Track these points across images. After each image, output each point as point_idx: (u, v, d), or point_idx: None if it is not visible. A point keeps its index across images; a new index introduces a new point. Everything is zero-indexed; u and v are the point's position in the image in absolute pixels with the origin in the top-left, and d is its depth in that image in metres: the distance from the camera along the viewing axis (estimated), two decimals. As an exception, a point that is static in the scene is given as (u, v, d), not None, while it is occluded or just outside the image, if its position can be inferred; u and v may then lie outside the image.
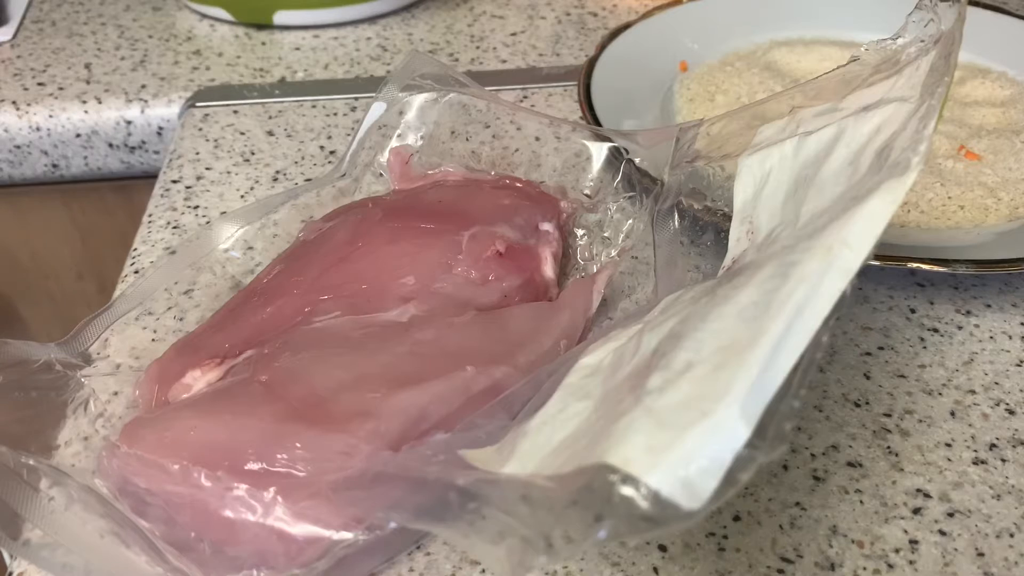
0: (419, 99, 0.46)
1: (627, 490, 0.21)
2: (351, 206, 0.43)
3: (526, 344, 0.35)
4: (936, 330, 0.41)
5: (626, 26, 0.57)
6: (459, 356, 0.34)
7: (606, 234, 0.44)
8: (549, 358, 0.35)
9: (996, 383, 0.38)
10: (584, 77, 0.52)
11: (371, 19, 0.66)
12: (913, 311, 0.42)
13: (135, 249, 0.45)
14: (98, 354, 0.38)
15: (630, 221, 0.44)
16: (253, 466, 0.30)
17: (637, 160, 0.44)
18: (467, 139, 0.48)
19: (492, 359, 0.34)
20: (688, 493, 0.21)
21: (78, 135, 0.57)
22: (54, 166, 0.58)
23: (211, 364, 0.35)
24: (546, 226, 0.41)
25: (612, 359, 0.31)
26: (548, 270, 0.40)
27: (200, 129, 0.54)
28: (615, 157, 0.45)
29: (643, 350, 0.29)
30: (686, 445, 0.21)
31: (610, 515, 0.21)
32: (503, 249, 0.38)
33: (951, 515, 0.33)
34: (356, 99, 0.57)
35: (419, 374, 0.33)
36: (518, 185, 0.44)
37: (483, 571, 0.31)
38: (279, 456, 0.30)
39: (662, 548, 0.32)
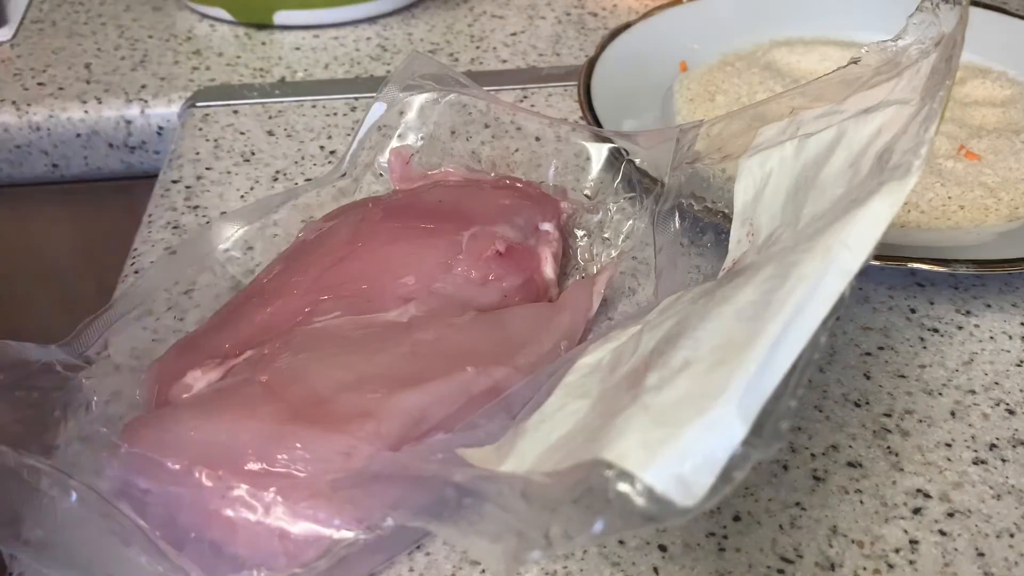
0: (419, 99, 0.46)
1: (623, 486, 0.21)
2: (351, 206, 0.43)
3: (526, 345, 0.35)
4: (936, 330, 0.41)
5: (626, 26, 0.57)
6: (459, 357, 0.34)
7: (606, 235, 0.44)
8: (549, 359, 0.35)
9: (996, 383, 0.38)
10: (584, 77, 0.52)
11: (371, 19, 0.66)
12: (913, 311, 0.42)
13: (135, 249, 0.45)
14: (98, 354, 0.38)
15: (630, 222, 0.44)
16: (253, 466, 0.30)
17: (637, 161, 0.44)
18: (467, 139, 0.48)
19: (492, 360, 0.34)
20: (683, 490, 0.21)
21: (78, 135, 0.57)
22: (54, 166, 0.58)
23: (211, 364, 0.35)
24: (546, 226, 0.41)
25: (611, 358, 0.31)
26: (548, 270, 0.40)
27: (200, 129, 0.54)
28: (615, 158, 0.45)
29: (641, 350, 0.29)
30: (682, 442, 0.22)
31: (606, 511, 0.21)
32: (503, 249, 0.38)
33: (951, 515, 0.33)
34: (356, 99, 0.57)
35: (419, 375, 0.33)
36: (518, 185, 0.44)
37: (483, 571, 0.31)
38: (279, 456, 0.30)
39: (662, 548, 0.32)
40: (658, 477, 0.21)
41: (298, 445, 0.30)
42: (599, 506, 0.21)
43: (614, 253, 0.43)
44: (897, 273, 0.43)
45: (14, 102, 0.57)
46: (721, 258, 0.37)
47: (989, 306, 0.42)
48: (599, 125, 0.48)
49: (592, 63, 0.53)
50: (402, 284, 0.37)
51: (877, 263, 0.39)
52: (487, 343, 0.35)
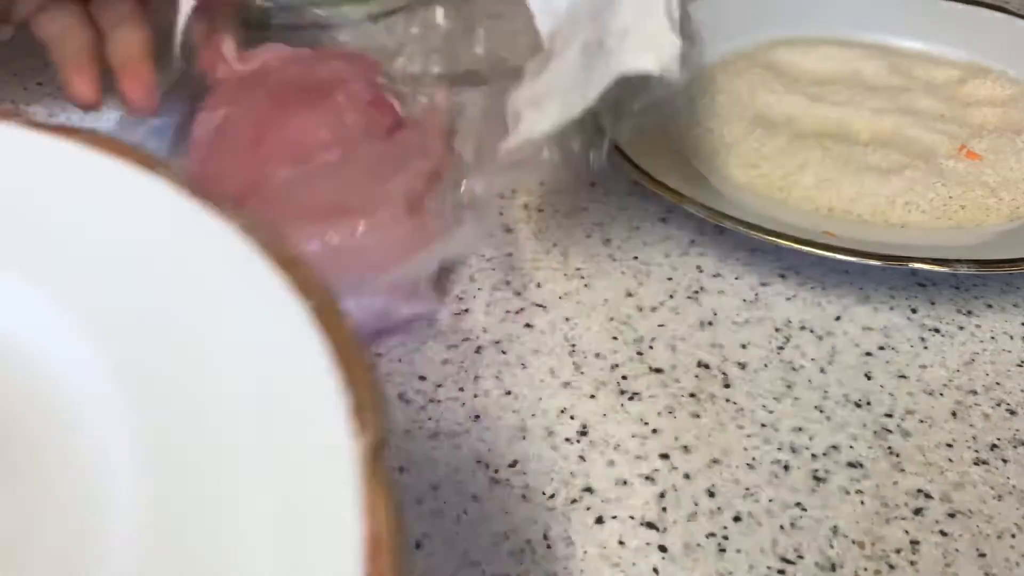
0: None
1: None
2: (227, 93, 0.46)
3: (431, 146, 0.45)
4: (937, 330, 0.41)
5: (626, 26, 0.57)
6: (403, 154, 0.43)
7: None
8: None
9: (997, 383, 0.38)
10: (584, 77, 0.52)
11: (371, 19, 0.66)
12: (914, 311, 0.41)
13: (135, 249, 0.45)
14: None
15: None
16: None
17: None
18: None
19: (425, 153, 0.44)
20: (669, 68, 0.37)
21: (78, 135, 0.57)
22: (54, 166, 0.58)
23: None
24: (380, 80, 0.48)
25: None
26: (398, 108, 0.47)
27: (200, 129, 0.54)
28: None
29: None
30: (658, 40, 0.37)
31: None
32: (372, 98, 0.45)
33: (952, 516, 0.33)
34: (356, 99, 0.57)
35: (386, 173, 0.41)
36: (339, 52, 0.51)
37: (483, 570, 0.31)
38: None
39: (662, 548, 0.32)
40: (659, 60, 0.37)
41: None
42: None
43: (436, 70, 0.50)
44: (898, 273, 0.43)
45: (14, 102, 0.57)
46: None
47: (990, 306, 0.42)
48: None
49: (592, 63, 0.53)
50: (320, 139, 0.43)
51: (878, 263, 0.39)
52: (413, 145, 0.44)
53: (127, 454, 0.18)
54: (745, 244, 0.43)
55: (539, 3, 0.43)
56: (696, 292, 0.42)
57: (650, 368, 0.38)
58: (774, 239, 0.41)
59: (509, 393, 0.37)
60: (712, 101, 0.53)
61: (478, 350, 0.39)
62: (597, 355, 0.39)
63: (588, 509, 0.33)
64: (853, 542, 0.32)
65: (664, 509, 0.33)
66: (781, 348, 0.39)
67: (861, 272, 0.42)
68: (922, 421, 0.36)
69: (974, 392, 0.38)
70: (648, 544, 0.32)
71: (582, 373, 0.38)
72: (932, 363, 0.39)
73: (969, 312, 0.42)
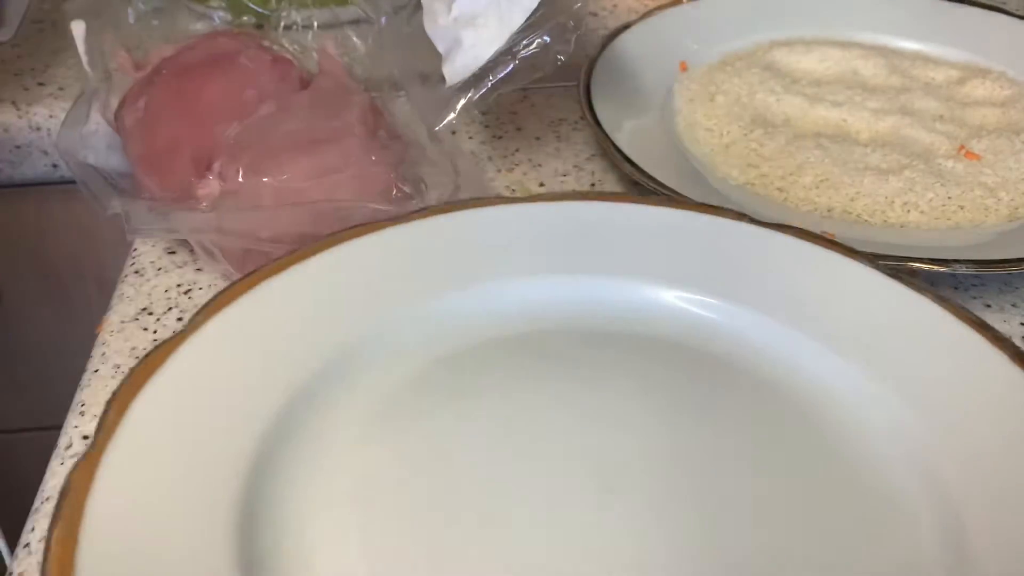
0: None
1: None
2: (136, 89, 0.48)
3: (355, 92, 0.47)
4: (936, 330, 0.41)
5: (626, 26, 0.57)
6: (337, 100, 0.46)
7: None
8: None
9: (996, 383, 0.38)
10: (584, 77, 0.52)
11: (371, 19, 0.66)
12: (913, 311, 0.42)
13: (135, 249, 0.45)
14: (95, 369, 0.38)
15: None
16: None
17: None
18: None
19: (349, 93, 0.47)
20: None
21: (78, 135, 0.57)
22: (54, 166, 0.58)
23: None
24: (265, 43, 0.50)
25: None
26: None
27: (200, 129, 0.54)
28: None
29: None
30: None
31: None
32: (272, 58, 0.48)
33: (951, 515, 0.33)
34: (356, 99, 0.57)
35: (325, 113, 0.45)
36: (220, 31, 0.53)
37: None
38: None
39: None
40: None
41: None
42: None
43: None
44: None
45: (14, 102, 0.57)
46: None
47: (989, 306, 0.42)
48: (599, 125, 0.48)
49: (592, 63, 0.53)
50: (248, 97, 0.45)
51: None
52: (334, 88, 0.46)
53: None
54: (744, 244, 0.43)
55: None
56: (696, 292, 0.42)
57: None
58: (773, 239, 0.41)
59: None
60: (711, 101, 0.53)
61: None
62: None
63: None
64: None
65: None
66: (780, 348, 0.39)
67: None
68: (921, 421, 0.37)
69: (973, 392, 0.38)
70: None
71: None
72: (931, 363, 0.39)
73: (968, 312, 0.42)
